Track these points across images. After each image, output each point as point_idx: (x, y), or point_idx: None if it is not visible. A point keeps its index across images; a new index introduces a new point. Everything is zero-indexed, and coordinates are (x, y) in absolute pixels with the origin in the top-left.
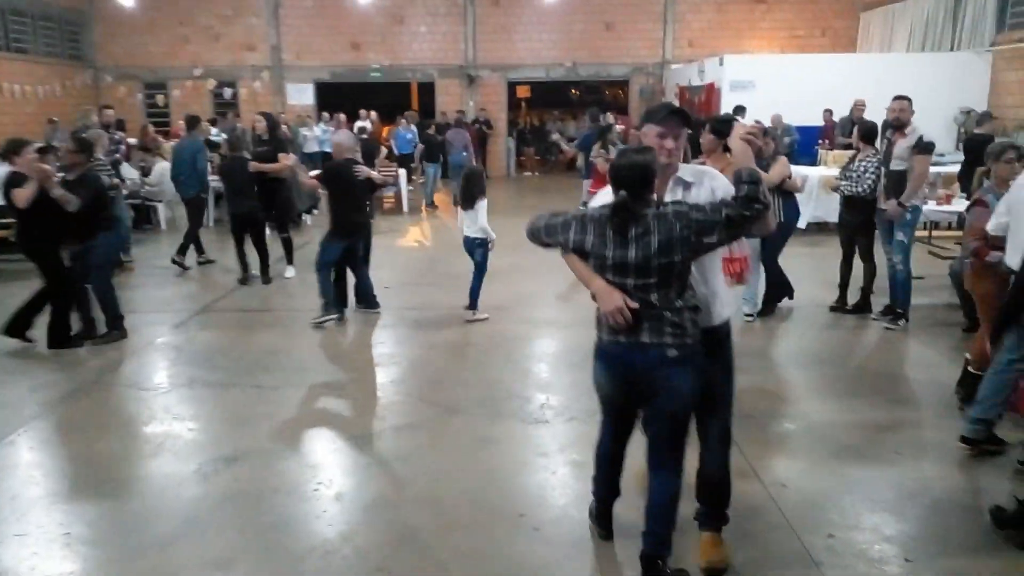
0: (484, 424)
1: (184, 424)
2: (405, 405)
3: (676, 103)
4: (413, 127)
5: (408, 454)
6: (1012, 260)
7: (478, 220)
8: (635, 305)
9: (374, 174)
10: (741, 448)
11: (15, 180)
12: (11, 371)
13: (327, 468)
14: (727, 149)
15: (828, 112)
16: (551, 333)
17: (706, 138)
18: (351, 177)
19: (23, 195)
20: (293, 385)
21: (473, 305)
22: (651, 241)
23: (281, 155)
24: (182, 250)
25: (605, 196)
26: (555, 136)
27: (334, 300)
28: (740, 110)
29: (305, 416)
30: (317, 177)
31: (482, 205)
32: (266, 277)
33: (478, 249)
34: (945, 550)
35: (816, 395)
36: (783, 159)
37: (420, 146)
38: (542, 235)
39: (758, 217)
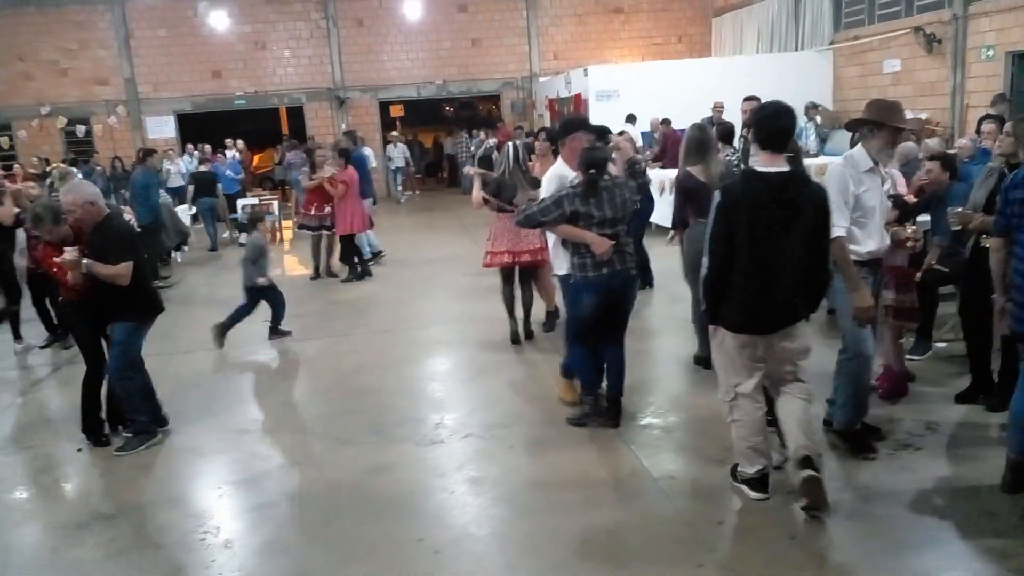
0: (377, 451)
1: (52, 485)
2: (292, 442)
3: (547, 115)
4: (236, 159)
5: (298, 492)
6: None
7: None
8: (612, 243)
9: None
10: (629, 443)
11: None
12: None
13: (213, 515)
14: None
15: (664, 122)
16: (440, 351)
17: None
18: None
19: None
20: (169, 432)
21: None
22: (616, 201)
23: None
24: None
25: (554, 180)
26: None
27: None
28: (631, 119)
29: (184, 464)
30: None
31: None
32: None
33: None
34: (829, 527)
35: (699, 389)
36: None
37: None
38: (538, 217)
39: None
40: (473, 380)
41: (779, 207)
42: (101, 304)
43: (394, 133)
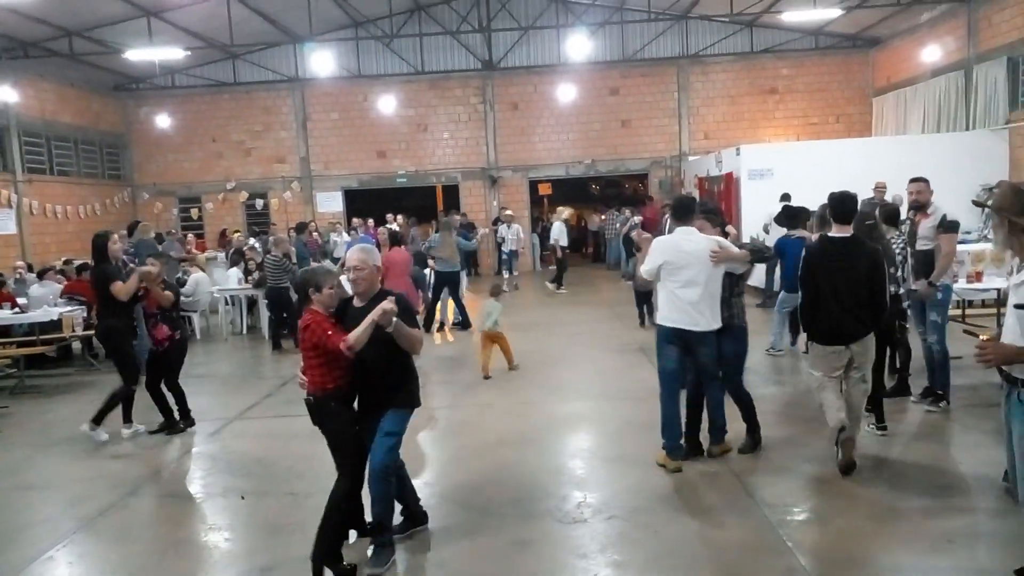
0: (520, 526)
1: (220, 534)
2: (439, 508)
3: (696, 193)
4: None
5: (444, 559)
6: None
7: None
8: None
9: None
10: (786, 539)
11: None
12: (48, 486)
13: None
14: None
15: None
16: (581, 428)
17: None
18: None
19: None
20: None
21: None
22: None
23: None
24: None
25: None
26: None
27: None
28: (786, 197)
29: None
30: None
31: None
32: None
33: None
34: None
35: (863, 481)
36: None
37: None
38: None
39: None
40: (616, 460)
41: (843, 260)
42: (374, 391)
43: (508, 212)
